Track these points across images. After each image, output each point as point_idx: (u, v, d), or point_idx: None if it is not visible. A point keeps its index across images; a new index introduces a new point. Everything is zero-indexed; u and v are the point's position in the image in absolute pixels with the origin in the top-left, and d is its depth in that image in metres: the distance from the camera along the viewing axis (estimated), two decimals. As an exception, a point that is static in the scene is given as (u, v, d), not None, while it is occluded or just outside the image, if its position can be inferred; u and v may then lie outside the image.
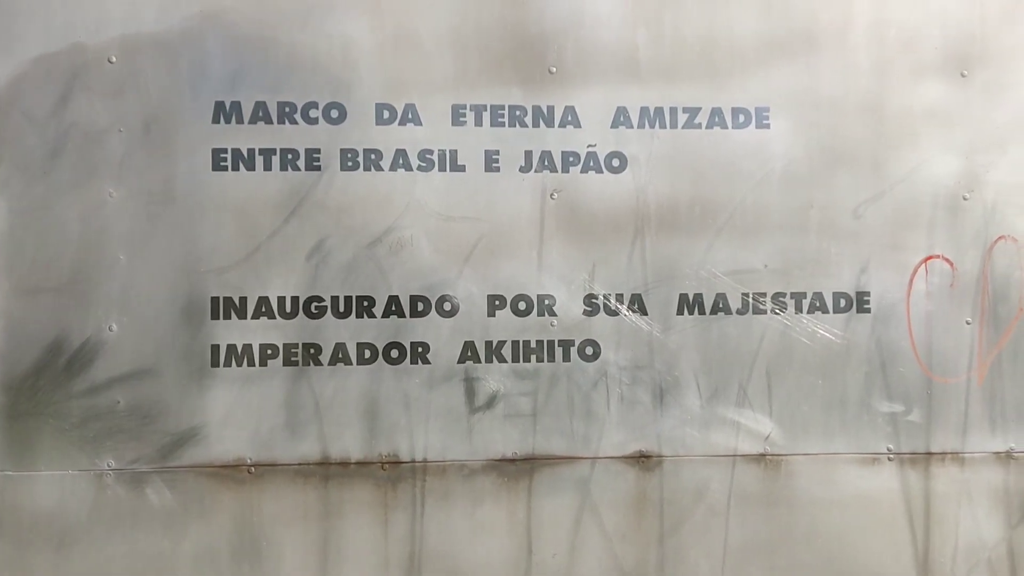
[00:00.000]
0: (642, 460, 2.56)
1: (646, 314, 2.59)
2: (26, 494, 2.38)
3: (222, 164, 2.49)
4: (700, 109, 2.63)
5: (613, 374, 2.57)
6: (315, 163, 2.52)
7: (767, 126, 2.64)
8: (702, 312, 2.60)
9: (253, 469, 2.45)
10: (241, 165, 2.49)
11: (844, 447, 2.60)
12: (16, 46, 2.43)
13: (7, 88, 2.43)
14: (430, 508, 2.50)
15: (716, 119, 2.63)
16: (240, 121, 2.50)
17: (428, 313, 2.53)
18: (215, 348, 2.46)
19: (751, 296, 2.61)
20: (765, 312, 2.61)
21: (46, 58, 2.44)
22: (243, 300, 2.48)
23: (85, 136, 2.45)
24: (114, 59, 2.46)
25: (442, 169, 2.56)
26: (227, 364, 2.46)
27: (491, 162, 2.57)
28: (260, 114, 2.51)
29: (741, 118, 2.64)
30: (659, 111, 2.62)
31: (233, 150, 2.49)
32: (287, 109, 2.52)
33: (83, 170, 2.44)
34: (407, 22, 2.56)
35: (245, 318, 2.47)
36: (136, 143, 2.46)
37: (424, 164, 2.56)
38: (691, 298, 2.60)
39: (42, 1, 2.44)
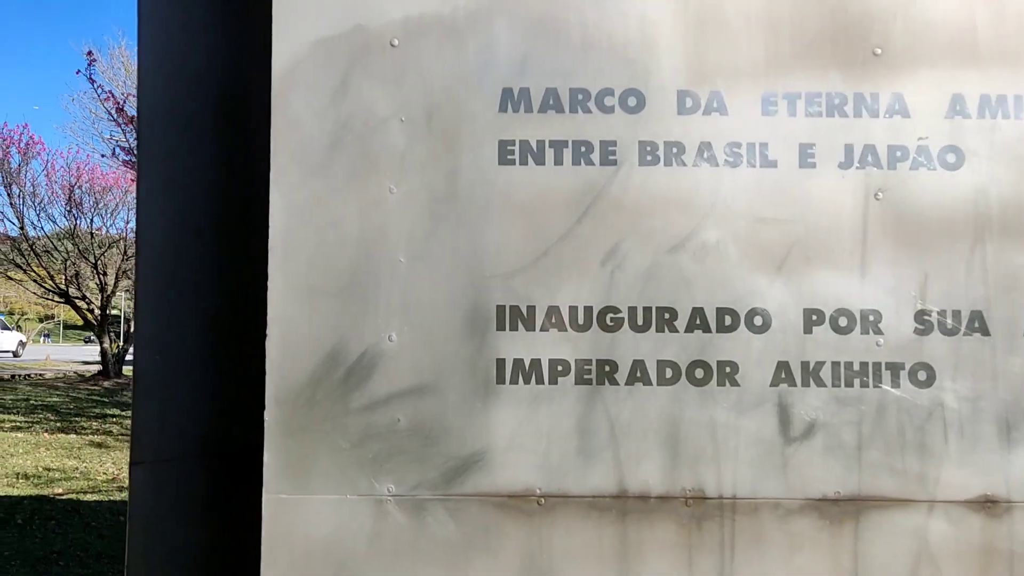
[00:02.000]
0: (988, 506, 2.18)
1: (988, 334, 2.22)
2: (300, 519, 2.16)
3: (509, 158, 2.24)
4: (1049, 96, 2.25)
5: (951, 404, 2.20)
6: (611, 157, 2.24)
7: None
8: (1054, 333, 2.21)
9: (543, 500, 2.18)
10: (530, 158, 2.24)
11: None
12: (295, 29, 2.24)
13: (285, 73, 2.23)
14: (740, 553, 2.18)
15: (1068, 108, 2.25)
16: (529, 110, 2.25)
17: (736, 328, 2.22)
18: (500, 363, 2.20)
19: (1114, 316, 2.21)
20: None
21: (326, 41, 2.24)
22: (531, 309, 2.21)
23: (365, 126, 2.23)
24: (396, 43, 2.25)
25: (751, 165, 2.25)
26: (514, 381, 2.20)
27: (806, 157, 2.25)
28: (551, 102, 2.25)
29: (1099, 107, 2.25)
30: (1002, 99, 2.26)
31: (521, 142, 2.24)
32: (580, 96, 2.26)
33: (363, 163, 2.23)
34: (713, 0, 2.27)
35: (533, 329, 2.21)
36: (418, 134, 2.23)
37: (731, 159, 2.25)
38: (1041, 317, 2.21)
39: (323, -20, 2.25)
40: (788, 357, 2.21)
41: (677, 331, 2.21)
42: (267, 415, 2.17)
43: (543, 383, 2.20)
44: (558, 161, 2.24)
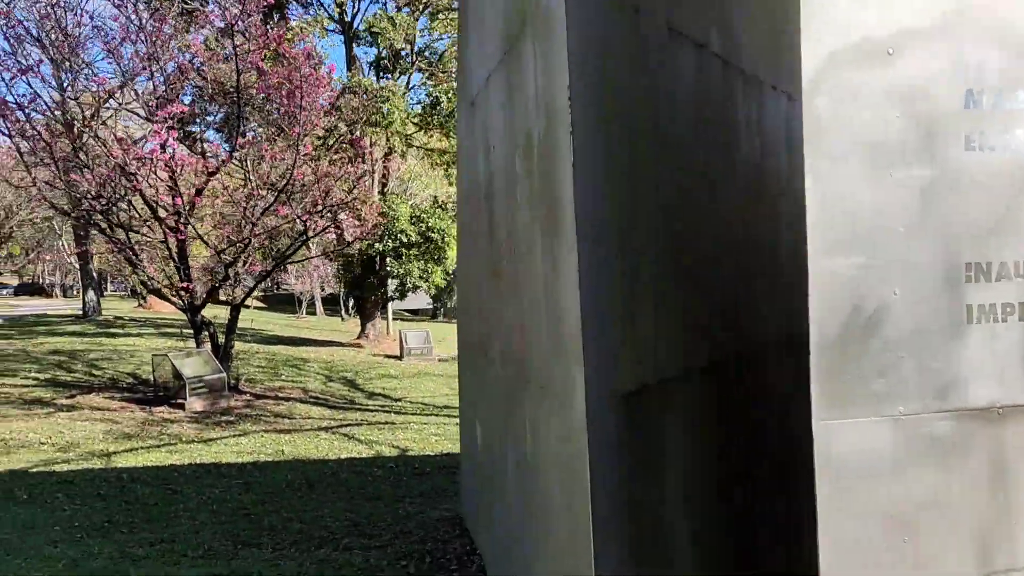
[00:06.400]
0: None
1: None
2: (842, 439, 2.71)
3: None
4: None
5: None
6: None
7: None
8: None
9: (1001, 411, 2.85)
10: None
11: None
12: (820, 40, 2.68)
13: (814, 77, 2.67)
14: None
15: None
16: None
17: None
18: (969, 308, 2.82)
19: None
20: None
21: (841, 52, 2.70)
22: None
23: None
24: (891, 51, 2.74)
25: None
26: (979, 321, 2.83)
27: None
28: (996, 101, 2.84)
29: None
30: None
31: None
32: None
33: (880, 152, 2.73)
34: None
35: None
36: (908, 128, 2.76)
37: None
38: None
39: None
40: None
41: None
42: (812, 359, 2.69)
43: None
44: None
